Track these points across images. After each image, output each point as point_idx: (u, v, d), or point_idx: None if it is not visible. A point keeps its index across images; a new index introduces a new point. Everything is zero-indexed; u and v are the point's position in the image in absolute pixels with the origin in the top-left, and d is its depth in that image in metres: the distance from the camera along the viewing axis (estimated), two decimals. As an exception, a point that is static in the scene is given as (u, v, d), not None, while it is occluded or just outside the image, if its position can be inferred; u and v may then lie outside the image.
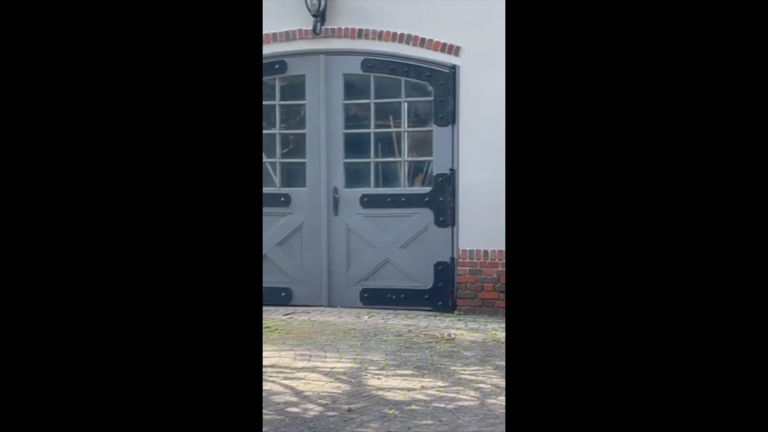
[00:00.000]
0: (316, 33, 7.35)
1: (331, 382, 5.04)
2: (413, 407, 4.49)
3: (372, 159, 7.45)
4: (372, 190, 7.45)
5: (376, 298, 7.44)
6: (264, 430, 4.10)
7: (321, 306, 7.52)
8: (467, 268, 7.22)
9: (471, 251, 7.19)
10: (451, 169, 7.22)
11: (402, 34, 7.23)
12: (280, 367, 5.41)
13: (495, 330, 6.51)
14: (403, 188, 7.42)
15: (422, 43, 7.20)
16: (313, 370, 5.34)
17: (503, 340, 6.02)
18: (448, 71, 7.17)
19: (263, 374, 5.18)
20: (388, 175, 7.53)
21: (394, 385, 4.96)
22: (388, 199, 7.39)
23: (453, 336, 6.33)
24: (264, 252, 7.62)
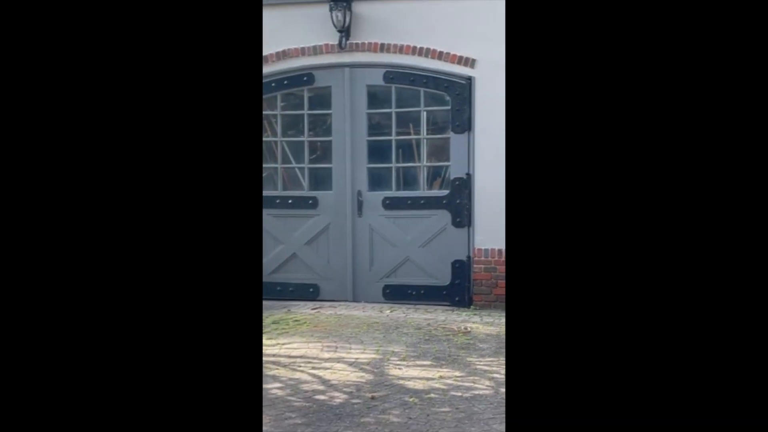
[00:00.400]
0: (341, 47, 7.45)
1: (355, 371, 5.09)
2: (432, 395, 4.53)
3: (393, 164, 7.53)
4: (393, 193, 7.52)
5: (397, 294, 7.52)
6: (293, 416, 4.19)
7: (346, 301, 7.58)
8: (482, 266, 7.26)
9: (486, 250, 7.25)
10: (467, 174, 7.28)
11: (421, 48, 7.31)
12: (308, 357, 5.48)
13: (508, 324, 6.51)
14: (423, 191, 7.48)
15: (440, 56, 7.27)
16: (338, 360, 5.39)
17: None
18: (464, 82, 7.24)
19: (293, 364, 5.30)
20: (408, 179, 7.59)
21: (414, 374, 5.00)
22: (409, 202, 7.47)
23: (469, 329, 6.34)
24: (293, 251, 7.74)
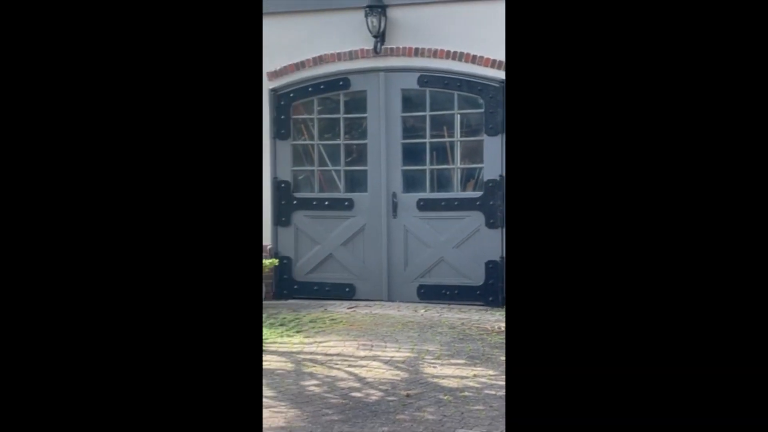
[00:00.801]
0: (376, 52, 7.45)
1: (390, 369, 5.09)
2: (466, 393, 4.51)
3: (428, 166, 7.50)
4: (428, 194, 7.49)
5: (431, 294, 7.48)
6: (330, 412, 4.20)
7: (381, 300, 7.57)
8: (516, 267, 7.20)
9: (519, 251, 7.19)
10: (500, 176, 7.21)
11: (455, 52, 7.28)
12: (344, 355, 5.49)
13: (541, 324, 6.48)
14: (456, 193, 7.45)
15: (474, 59, 7.23)
16: (374, 358, 5.39)
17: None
18: (497, 85, 7.18)
19: (329, 362, 5.31)
20: (442, 181, 7.56)
21: (449, 373, 4.98)
22: (443, 203, 7.43)
23: (502, 329, 6.29)
24: (329, 251, 7.76)
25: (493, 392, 4.54)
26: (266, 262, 7.53)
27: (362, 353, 5.56)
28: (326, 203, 7.78)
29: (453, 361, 5.30)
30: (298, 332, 6.29)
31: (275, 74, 7.79)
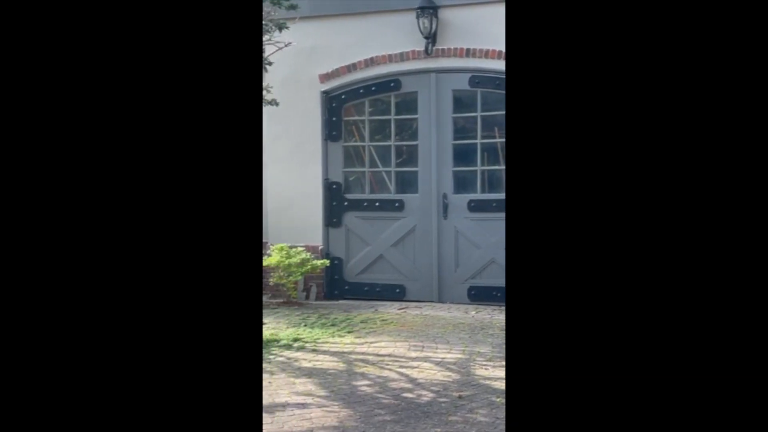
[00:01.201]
0: (427, 53, 7.42)
1: (442, 371, 5.06)
2: None
3: (478, 167, 7.44)
4: (478, 195, 7.43)
5: (482, 295, 7.41)
6: (382, 412, 4.20)
7: (432, 302, 7.53)
8: (568, 268, 7.10)
9: (572, 252, 7.08)
10: (553, 176, 7.14)
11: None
12: (395, 356, 5.48)
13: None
14: (508, 194, 7.39)
15: (525, 59, 7.16)
16: (425, 359, 5.36)
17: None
18: (549, 85, 7.10)
19: (381, 362, 5.30)
20: (493, 182, 7.48)
21: (500, 375, 4.91)
22: (494, 204, 7.35)
23: None
24: (380, 252, 7.75)
25: (547, 395, 4.46)
26: (318, 262, 7.57)
27: (413, 354, 5.54)
28: (377, 204, 7.78)
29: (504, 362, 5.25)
30: (349, 332, 6.30)
31: (327, 76, 7.82)
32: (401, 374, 5.00)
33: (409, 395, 4.52)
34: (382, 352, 5.63)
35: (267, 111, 7.53)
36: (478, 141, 7.43)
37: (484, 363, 5.25)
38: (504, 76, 7.21)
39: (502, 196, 7.35)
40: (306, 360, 5.45)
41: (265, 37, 6.90)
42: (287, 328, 6.51)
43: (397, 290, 7.69)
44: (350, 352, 5.64)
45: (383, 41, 7.63)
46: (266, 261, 7.53)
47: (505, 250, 7.24)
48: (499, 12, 7.20)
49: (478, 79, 7.36)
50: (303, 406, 4.38)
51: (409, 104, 7.70)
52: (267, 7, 7.39)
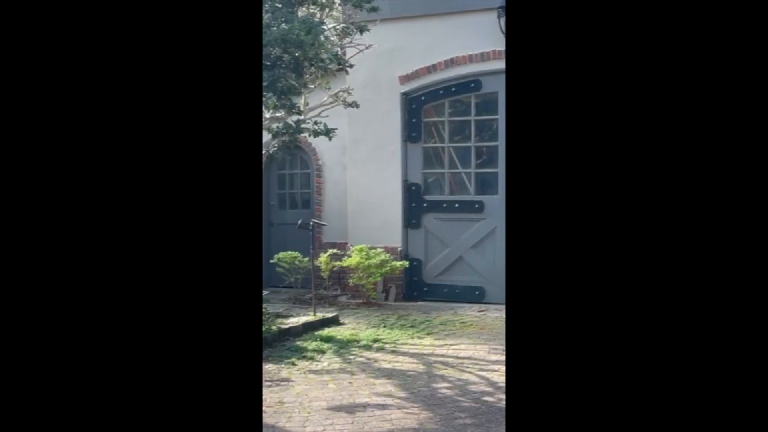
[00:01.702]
0: (508, 53, 7.33)
1: (523, 375, 4.99)
2: None
3: (560, 168, 7.31)
4: (560, 197, 7.31)
5: (563, 299, 7.28)
6: (462, 415, 4.15)
7: (512, 304, 7.46)
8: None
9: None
10: (638, 178, 6.93)
11: (590, 51, 7.05)
12: (475, 359, 5.41)
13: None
14: (591, 195, 7.22)
15: (610, 58, 6.98)
16: (505, 363, 5.30)
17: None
18: (635, 84, 6.90)
19: (461, 365, 5.24)
20: (575, 183, 7.35)
21: None
22: (576, 206, 7.21)
23: None
24: (459, 254, 7.69)
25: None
26: (397, 264, 7.56)
27: (493, 357, 5.46)
28: (456, 206, 7.72)
29: (588, 368, 5.11)
30: (428, 334, 6.26)
31: (407, 78, 7.81)
32: (481, 377, 4.93)
33: (490, 399, 4.45)
34: (462, 354, 5.57)
35: (347, 113, 7.59)
36: (560, 141, 7.28)
37: (567, 368, 5.12)
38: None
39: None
40: (386, 361, 5.44)
41: (346, 40, 6.94)
42: (367, 328, 6.52)
43: (477, 292, 7.61)
44: (429, 354, 5.60)
45: (463, 42, 7.56)
46: (346, 262, 7.57)
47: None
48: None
49: (561, 78, 7.20)
50: (383, 407, 4.37)
51: (489, 105, 7.61)
52: (348, 10, 7.44)
